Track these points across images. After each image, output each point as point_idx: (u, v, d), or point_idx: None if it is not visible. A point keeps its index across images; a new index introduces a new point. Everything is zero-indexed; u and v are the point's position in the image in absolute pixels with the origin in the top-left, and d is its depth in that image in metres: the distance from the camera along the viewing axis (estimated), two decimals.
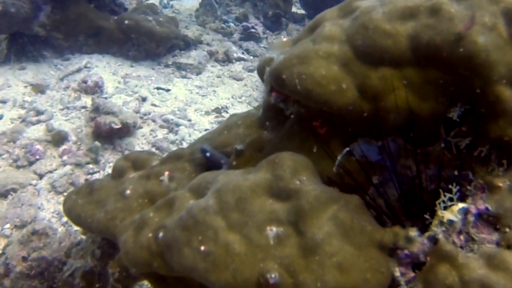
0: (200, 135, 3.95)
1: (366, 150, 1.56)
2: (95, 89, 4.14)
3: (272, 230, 1.33)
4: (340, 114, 1.46)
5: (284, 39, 1.70)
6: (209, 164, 1.85)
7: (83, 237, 2.59)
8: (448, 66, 1.38)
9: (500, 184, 1.40)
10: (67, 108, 3.96)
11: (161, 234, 1.46)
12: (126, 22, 4.57)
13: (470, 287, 1.26)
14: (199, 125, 4.06)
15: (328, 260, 1.27)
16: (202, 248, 1.33)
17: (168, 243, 1.41)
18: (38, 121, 3.81)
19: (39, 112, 3.89)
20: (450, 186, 1.42)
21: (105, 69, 4.53)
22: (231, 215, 1.37)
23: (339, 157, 1.52)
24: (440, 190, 1.41)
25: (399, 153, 1.56)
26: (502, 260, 1.29)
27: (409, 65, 1.42)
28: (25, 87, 4.19)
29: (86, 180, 3.43)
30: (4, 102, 3.98)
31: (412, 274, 1.37)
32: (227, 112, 4.26)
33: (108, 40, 4.68)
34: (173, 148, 3.80)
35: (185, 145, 3.83)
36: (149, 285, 3.00)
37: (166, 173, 1.97)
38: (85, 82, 4.14)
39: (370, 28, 1.43)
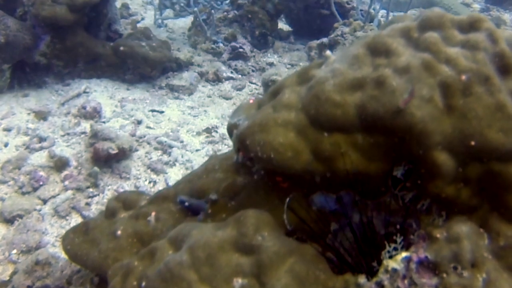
0: (191, 155, 4.07)
1: (324, 201, 1.68)
2: (94, 114, 4.24)
3: (238, 282, 1.46)
4: (296, 174, 1.58)
5: (251, 101, 1.81)
6: (189, 210, 1.97)
7: None
8: (390, 133, 1.50)
9: (438, 236, 1.52)
10: (68, 134, 4.06)
11: (143, 284, 1.58)
12: (121, 48, 4.66)
13: None
14: (190, 146, 4.16)
15: None
16: None
17: None
18: (41, 148, 3.90)
19: (42, 139, 3.99)
20: (394, 237, 1.55)
21: (103, 93, 4.63)
22: (202, 269, 1.49)
23: (285, 206, 1.64)
24: (385, 242, 1.54)
25: (353, 203, 1.68)
26: None
27: (357, 131, 1.54)
28: (28, 114, 4.29)
29: (87, 203, 3.53)
30: (9, 130, 4.08)
31: None
32: (216, 132, 4.35)
33: (105, 65, 4.77)
34: (167, 168, 3.91)
35: (178, 166, 3.94)
36: None
37: (153, 213, 2.09)
38: (84, 108, 4.24)
39: (322, 99, 1.54)
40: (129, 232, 2.06)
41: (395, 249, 1.53)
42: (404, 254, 1.51)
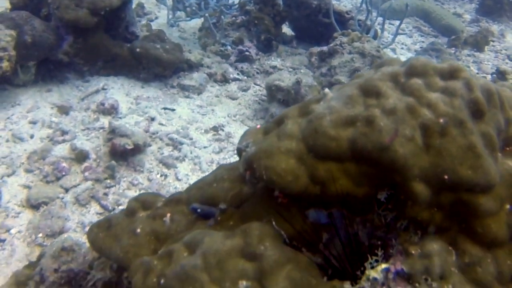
0: (199, 152, 4.24)
1: (317, 216, 1.86)
2: (111, 110, 4.41)
3: (243, 284, 1.64)
4: (295, 195, 1.76)
5: (257, 127, 1.97)
6: (200, 216, 2.14)
7: None
8: (376, 165, 1.67)
9: (413, 252, 1.69)
10: (88, 128, 4.22)
11: (162, 281, 1.76)
12: (138, 49, 4.80)
13: None
14: (199, 143, 4.33)
15: None
16: None
17: None
18: (64, 141, 4.08)
19: (64, 132, 4.15)
20: (376, 251, 1.73)
21: (120, 90, 4.78)
22: (213, 272, 1.67)
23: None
24: (368, 255, 1.72)
25: (342, 218, 1.86)
26: None
27: (348, 161, 1.70)
28: (52, 108, 4.44)
29: (105, 194, 3.71)
30: (34, 123, 4.24)
31: None
32: (223, 130, 4.52)
33: (122, 64, 4.91)
34: (177, 163, 4.08)
35: (187, 161, 4.11)
36: None
37: (168, 214, 2.26)
38: (103, 104, 4.40)
39: (319, 132, 1.71)
40: (147, 230, 2.23)
41: (376, 261, 1.70)
42: (383, 265, 1.69)
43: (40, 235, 3.33)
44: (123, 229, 2.33)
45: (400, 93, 1.77)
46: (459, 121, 1.68)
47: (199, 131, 4.46)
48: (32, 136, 4.11)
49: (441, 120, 1.67)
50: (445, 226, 1.73)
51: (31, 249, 3.24)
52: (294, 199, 1.86)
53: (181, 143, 4.22)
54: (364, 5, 5.54)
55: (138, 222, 2.31)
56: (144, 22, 5.30)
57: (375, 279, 1.68)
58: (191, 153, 4.17)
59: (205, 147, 4.27)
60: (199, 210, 2.12)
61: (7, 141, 4.02)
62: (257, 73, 5.33)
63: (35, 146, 4.00)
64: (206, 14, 5.41)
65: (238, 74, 5.27)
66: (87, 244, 3.21)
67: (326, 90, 1.85)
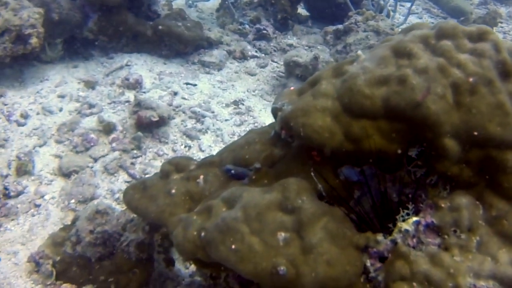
0: (221, 124, 4.27)
1: (349, 173, 1.89)
2: (136, 85, 4.43)
3: (282, 235, 1.68)
4: (330, 151, 1.79)
5: (291, 88, 2.00)
6: (234, 176, 2.17)
7: (135, 215, 2.95)
8: (409, 122, 1.69)
9: (443, 205, 1.73)
10: (114, 102, 4.26)
11: (203, 234, 1.80)
12: (160, 27, 4.80)
13: (417, 277, 1.61)
14: (220, 116, 4.35)
15: (320, 258, 1.61)
16: (233, 246, 1.67)
17: (208, 241, 1.76)
18: (91, 113, 4.12)
19: (91, 105, 4.19)
20: (407, 204, 1.76)
21: (143, 67, 4.80)
22: (253, 224, 1.71)
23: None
24: (400, 208, 1.75)
25: (373, 176, 1.89)
26: (441, 259, 1.63)
27: (381, 119, 1.72)
28: (79, 83, 4.48)
29: (132, 163, 3.76)
30: (63, 97, 4.28)
31: (378, 265, 1.72)
32: (243, 104, 4.53)
33: (144, 41, 4.92)
34: (200, 135, 4.12)
35: (210, 133, 4.15)
36: None
37: (201, 176, 2.29)
38: (127, 79, 4.43)
39: (354, 91, 1.73)
40: (182, 191, 2.26)
41: (408, 214, 1.74)
42: (414, 218, 1.73)
43: (73, 201, 3.39)
44: (158, 190, 2.37)
45: (430, 54, 1.79)
46: (488, 80, 1.70)
47: (220, 105, 4.48)
48: (61, 109, 4.16)
49: (471, 79, 1.69)
50: (473, 182, 1.75)
51: (65, 213, 3.31)
52: (328, 158, 1.88)
53: (204, 116, 4.25)
54: None
55: (172, 183, 2.34)
56: (164, 1, 5.29)
57: (406, 231, 1.71)
58: (213, 125, 4.20)
59: (226, 120, 4.29)
60: (233, 171, 2.15)
61: (38, 114, 4.07)
62: (274, 50, 5.33)
63: (64, 118, 4.05)
64: None
65: (256, 51, 5.27)
66: (120, 208, 3.27)
67: (359, 52, 1.87)
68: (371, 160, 1.80)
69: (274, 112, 1.97)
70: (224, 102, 4.51)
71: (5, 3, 4.04)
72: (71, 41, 4.72)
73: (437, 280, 1.60)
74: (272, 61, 5.21)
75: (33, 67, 4.55)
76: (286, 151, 2.12)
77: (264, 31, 5.32)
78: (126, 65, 4.75)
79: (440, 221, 1.71)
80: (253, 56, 5.23)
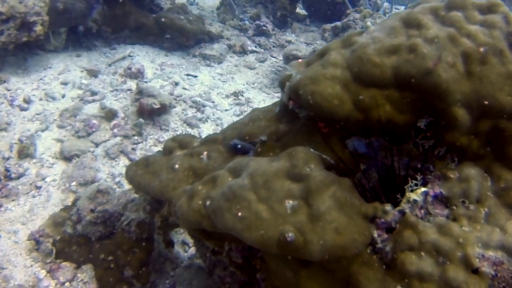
0: (221, 114, 4.18)
1: (356, 145, 1.80)
2: (138, 74, 4.33)
3: (289, 203, 1.58)
4: (339, 120, 1.70)
5: (299, 60, 1.91)
6: (239, 151, 2.08)
7: (136, 195, 2.85)
8: (419, 90, 1.61)
9: (452, 176, 1.65)
10: (116, 90, 4.16)
11: (208, 202, 1.71)
12: (163, 19, 4.72)
13: (425, 247, 1.53)
14: (220, 106, 4.26)
15: (328, 225, 1.52)
16: (239, 214, 1.57)
17: (214, 209, 1.67)
18: (93, 100, 4.01)
19: (93, 93, 4.09)
20: (416, 175, 1.68)
21: (145, 58, 4.70)
22: (260, 191, 1.61)
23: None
24: (409, 178, 1.67)
25: (380, 148, 1.80)
26: (449, 228, 1.54)
27: (391, 88, 1.64)
28: (82, 71, 4.37)
29: (133, 149, 3.66)
30: (65, 84, 4.17)
31: (386, 236, 1.63)
32: (243, 96, 4.45)
33: (147, 33, 4.83)
34: (200, 124, 4.03)
35: (210, 122, 4.05)
36: (181, 231, 3.30)
37: (205, 152, 2.20)
38: (129, 68, 4.33)
39: (364, 59, 1.65)
40: (185, 166, 2.17)
41: (416, 184, 1.65)
42: (423, 189, 1.65)
43: (74, 183, 3.28)
44: (161, 166, 2.28)
45: (440, 25, 1.71)
46: (499, 50, 1.63)
47: (220, 96, 4.40)
48: (63, 96, 4.05)
49: (481, 49, 1.61)
50: (481, 154, 1.68)
51: (66, 195, 3.20)
52: (335, 129, 1.80)
53: (204, 106, 4.16)
54: None
55: (175, 159, 2.25)
56: None
57: (415, 201, 1.63)
58: (213, 115, 4.11)
59: (226, 110, 4.21)
60: (239, 146, 2.06)
61: (41, 99, 3.95)
62: (274, 46, 5.26)
63: (66, 104, 3.94)
64: None
65: (255, 46, 5.19)
66: (120, 189, 3.17)
67: (368, 23, 1.79)
68: (379, 131, 1.72)
69: (282, 83, 1.88)
70: (224, 93, 4.42)
71: None
72: (75, 30, 4.61)
73: (446, 249, 1.52)
74: (271, 56, 5.14)
75: (37, 55, 4.44)
76: (291, 126, 2.04)
77: (264, 28, 5.25)
78: (129, 55, 4.65)
79: (448, 191, 1.63)
80: (253, 51, 5.15)
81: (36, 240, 2.74)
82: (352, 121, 1.69)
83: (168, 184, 2.15)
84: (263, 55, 5.15)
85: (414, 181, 1.66)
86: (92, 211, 2.72)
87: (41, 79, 4.17)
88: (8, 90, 3.92)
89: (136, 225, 2.66)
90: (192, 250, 3.16)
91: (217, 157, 2.20)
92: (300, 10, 6.36)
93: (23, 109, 3.80)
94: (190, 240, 3.18)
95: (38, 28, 4.04)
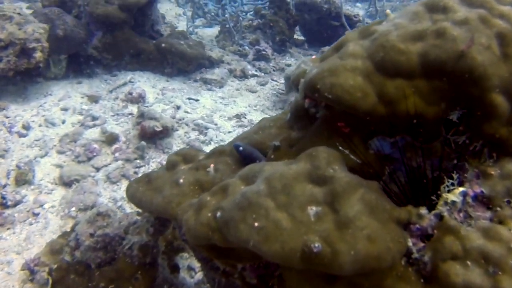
0: (224, 136, 3.95)
1: (380, 146, 1.56)
2: (139, 99, 4.13)
3: (312, 209, 1.33)
4: (362, 115, 1.47)
5: (313, 57, 1.70)
6: (243, 157, 1.84)
7: (138, 217, 2.58)
8: (450, 77, 1.39)
9: (493, 172, 1.41)
10: (117, 114, 3.94)
11: (219, 214, 1.45)
12: (163, 45, 4.55)
13: (471, 254, 1.27)
14: (223, 128, 4.04)
15: (359, 233, 1.27)
16: (256, 224, 1.32)
17: (225, 221, 1.41)
18: (94, 125, 3.79)
19: (94, 118, 3.87)
20: (452, 174, 1.43)
21: (146, 83, 4.51)
22: (279, 197, 1.36)
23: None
24: (444, 176, 1.42)
25: (407, 148, 1.56)
26: (497, 232, 1.29)
27: (418, 77, 1.43)
28: (82, 97, 4.17)
29: (135, 172, 3.41)
30: (66, 109, 3.95)
31: (422, 244, 1.37)
32: (245, 118, 4.24)
33: (148, 59, 4.66)
34: (204, 146, 3.79)
35: (213, 144, 3.82)
36: (187, 256, 3.01)
37: (212, 165, 1.95)
38: (130, 93, 4.13)
39: (387, 47, 1.44)
40: (191, 180, 1.92)
41: (452, 184, 1.41)
42: (461, 189, 1.40)
43: (73, 209, 3.01)
44: (164, 181, 2.02)
45: (467, 7, 1.51)
46: None
47: (223, 118, 4.18)
48: (63, 122, 3.82)
49: None
50: None
51: (65, 221, 2.92)
52: (356, 129, 1.57)
53: (207, 128, 3.93)
54: (371, 8, 5.34)
55: (180, 173, 2.00)
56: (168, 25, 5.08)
57: (453, 202, 1.38)
58: (216, 137, 3.88)
59: (229, 132, 3.98)
60: (241, 148, 1.81)
61: (40, 125, 3.73)
62: (274, 70, 5.09)
63: (66, 130, 3.71)
64: (227, 15, 5.19)
65: (256, 70, 5.02)
66: (120, 212, 2.90)
67: (388, 11, 1.59)
68: (405, 128, 1.48)
69: (296, 79, 1.66)
70: (227, 115, 4.21)
71: (9, 17, 3.77)
72: (76, 57, 4.44)
73: (496, 256, 1.25)
74: (272, 79, 4.96)
75: (37, 83, 4.24)
76: (305, 132, 1.80)
77: (264, 52, 5.10)
78: (130, 81, 4.46)
79: (490, 190, 1.39)
80: (253, 75, 4.98)
81: (30, 270, 2.45)
82: (376, 115, 1.46)
83: (172, 200, 1.89)
84: (264, 78, 4.97)
85: (451, 180, 1.41)
86: (91, 235, 2.44)
87: (40, 105, 3.95)
88: (7, 117, 3.70)
89: (139, 249, 2.38)
90: (199, 276, 2.86)
91: (225, 169, 1.95)
92: (298, 36, 6.24)
93: (22, 136, 3.56)
94: (196, 265, 2.90)
95: (38, 55, 3.86)
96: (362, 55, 1.49)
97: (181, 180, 1.93)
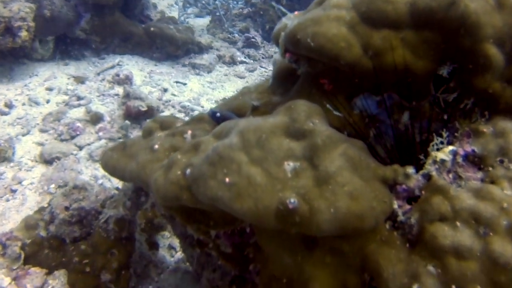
0: None
1: (366, 105, 1.41)
2: (126, 81, 3.94)
3: (290, 165, 1.18)
4: (346, 69, 1.31)
5: (296, 13, 1.54)
6: (220, 122, 1.68)
7: (116, 192, 2.41)
8: (441, 27, 1.24)
9: (485, 130, 1.26)
10: (103, 95, 3.75)
11: (188, 171, 1.29)
12: (152, 29, 4.37)
13: (461, 215, 1.12)
14: None
15: (340, 189, 1.12)
16: (227, 180, 1.16)
17: (195, 177, 1.25)
18: (79, 105, 3.60)
19: (79, 98, 3.68)
20: (441, 132, 1.29)
21: (134, 67, 4.33)
22: (253, 151, 1.21)
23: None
24: (434, 134, 1.28)
25: (394, 108, 1.41)
26: (489, 192, 1.14)
27: (407, 28, 1.28)
28: (68, 78, 3.97)
29: None
30: (51, 89, 3.76)
31: (408, 207, 1.22)
32: None
33: (136, 43, 4.47)
34: None
35: None
36: (168, 235, 2.84)
37: (189, 131, 1.79)
38: (117, 75, 3.94)
39: None
40: (166, 146, 1.75)
41: (442, 142, 1.26)
42: (450, 147, 1.25)
43: (53, 185, 2.83)
44: (140, 147, 1.85)
45: None
46: None
47: (210, 101, 4.01)
48: (48, 101, 3.63)
49: None
50: None
51: (43, 197, 2.74)
52: (340, 86, 1.41)
53: (193, 110, 3.76)
54: None
55: (156, 139, 1.83)
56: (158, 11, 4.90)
57: (442, 161, 1.23)
58: None
59: None
60: (218, 114, 1.65)
61: (23, 104, 3.53)
62: (263, 57, 4.94)
63: (50, 109, 3.52)
64: (217, 2, 5.03)
65: (245, 57, 4.86)
66: (98, 186, 2.72)
67: None
68: (392, 84, 1.33)
69: (276, 35, 1.50)
70: (214, 99, 4.04)
71: None
72: (63, 39, 4.24)
73: (487, 217, 1.11)
74: (261, 66, 4.80)
75: (23, 64, 4.04)
76: (285, 98, 1.64)
77: (253, 39, 4.94)
78: (118, 64, 4.28)
79: (482, 149, 1.24)
80: (242, 62, 4.81)
81: (2, 244, 2.26)
82: (361, 69, 1.30)
83: (146, 165, 1.71)
84: (253, 65, 4.81)
85: (440, 139, 1.26)
86: (66, 208, 2.26)
87: (25, 85, 3.76)
88: None
89: (115, 223, 2.21)
90: (179, 255, 2.70)
91: (203, 136, 1.78)
92: None
93: (3, 114, 3.37)
94: (177, 244, 2.73)
95: (24, 34, 3.66)
96: (347, 6, 1.34)
97: (156, 146, 1.76)
